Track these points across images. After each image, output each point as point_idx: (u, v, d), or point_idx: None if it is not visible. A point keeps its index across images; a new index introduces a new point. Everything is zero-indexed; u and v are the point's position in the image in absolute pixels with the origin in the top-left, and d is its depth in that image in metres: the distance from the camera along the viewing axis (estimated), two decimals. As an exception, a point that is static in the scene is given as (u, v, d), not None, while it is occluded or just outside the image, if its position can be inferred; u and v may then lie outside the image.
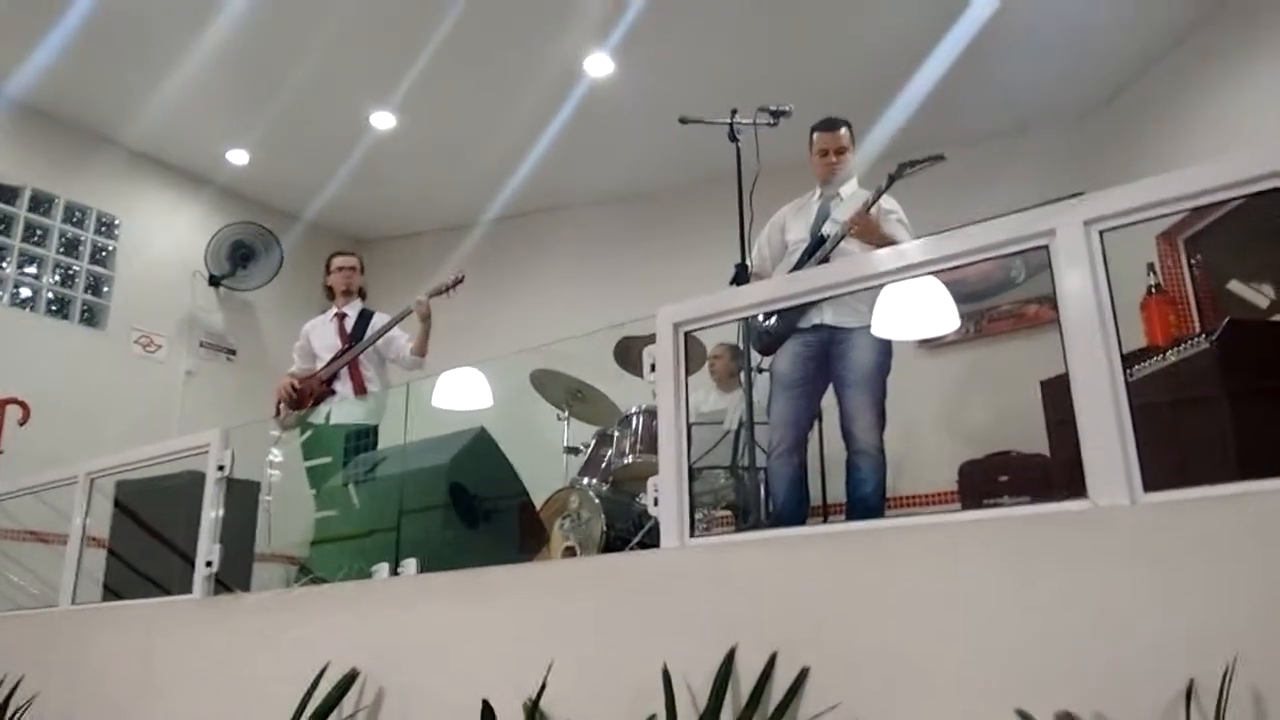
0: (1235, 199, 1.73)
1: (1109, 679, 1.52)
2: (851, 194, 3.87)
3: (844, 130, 3.88)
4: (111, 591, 3.89)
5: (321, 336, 4.71)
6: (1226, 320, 3.18)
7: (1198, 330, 4.05)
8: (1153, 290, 4.44)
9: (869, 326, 3.52)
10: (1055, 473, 3.63)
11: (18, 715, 3.38)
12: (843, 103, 4.10)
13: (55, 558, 3.97)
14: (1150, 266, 4.63)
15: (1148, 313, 4.40)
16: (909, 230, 3.71)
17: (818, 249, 3.73)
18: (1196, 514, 1.57)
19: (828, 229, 3.77)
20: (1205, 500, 1.58)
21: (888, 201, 3.69)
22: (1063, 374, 1.80)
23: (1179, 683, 1.45)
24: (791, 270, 3.74)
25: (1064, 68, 5.50)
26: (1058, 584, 1.63)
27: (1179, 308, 4.80)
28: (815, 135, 3.90)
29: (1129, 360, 1.80)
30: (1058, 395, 3.31)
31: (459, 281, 4.48)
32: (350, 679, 2.52)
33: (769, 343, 3.75)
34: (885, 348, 3.58)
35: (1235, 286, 4.49)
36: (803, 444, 3.68)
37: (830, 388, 3.70)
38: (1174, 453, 2.76)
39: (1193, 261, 5.02)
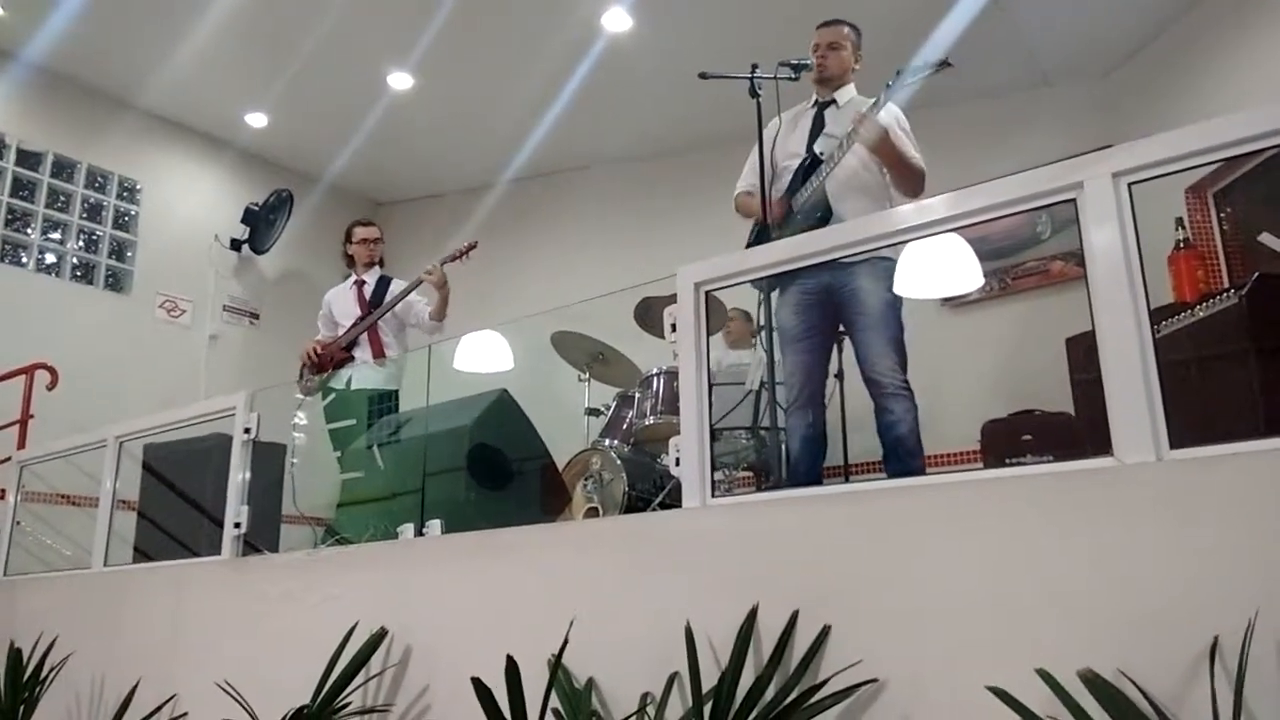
0: (1268, 150, 1.69)
1: (1132, 637, 1.52)
2: (849, 100, 3.70)
3: (846, 29, 3.72)
4: (142, 553, 3.96)
5: (342, 304, 4.77)
6: (1256, 275, 3.13)
7: (1226, 285, 3.99)
8: (1181, 245, 4.38)
9: (870, 260, 3.29)
10: (1080, 431, 3.61)
11: (52, 675, 3.45)
12: (864, 53, 4.02)
13: (87, 521, 4.04)
14: (1179, 221, 4.56)
15: (1176, 267, 4.34)
16: (913, 140, 3.56)
17: (814, 167, 3.53)
18: (1223, 471, 1.56)
19: (822, 145, 3.57)
20: (1232, 457, 1.57)
21: (891, 108, 3.51)
22: (1088, 331, 1.78)
23: (1203, 640, 1.45)
24: (786, 190, 3.59)
25: (1089, 19, 5.36)
26: (1082, 542, 1.62)
27: (1208, 262, 4.72)
28: (816, 33, 3.74)
29: (1156, 316, 1.77)
30: (1083, 352, 3.28)
31: (472, 247, 4.52)
32: (379, 637, 2.56)
33: (768, 278, 3.57)
34: (892, 282, 3.34)
35: (1266, 239, 4.41)
36: (818, 399, 3.51)
37: (842, 335, 3.59)
38: (1201, 409, 2.74)
39: (1222, 215, 4.93)
